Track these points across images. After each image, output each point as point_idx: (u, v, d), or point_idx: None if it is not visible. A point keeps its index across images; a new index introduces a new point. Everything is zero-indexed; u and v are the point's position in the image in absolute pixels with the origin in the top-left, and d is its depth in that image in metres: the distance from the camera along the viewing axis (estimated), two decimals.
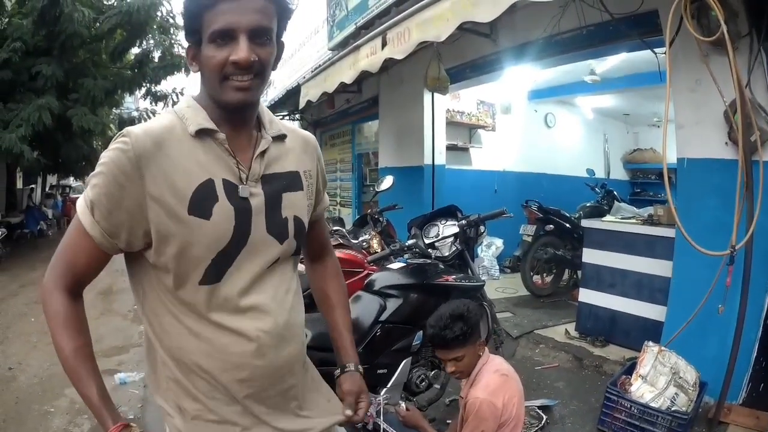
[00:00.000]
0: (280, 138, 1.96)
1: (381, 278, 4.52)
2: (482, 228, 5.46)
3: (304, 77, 10.62)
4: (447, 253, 5.24)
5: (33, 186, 29.32)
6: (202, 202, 1.70)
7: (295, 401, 2.05)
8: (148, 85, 17.31)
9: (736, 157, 4.54)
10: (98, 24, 15.17)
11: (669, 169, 4.69)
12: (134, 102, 24.82)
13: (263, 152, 1.87)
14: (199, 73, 1.79)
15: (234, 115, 1.82)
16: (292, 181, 1.97)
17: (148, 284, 1.81)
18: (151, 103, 18.39)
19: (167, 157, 1.67)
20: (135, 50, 16.92)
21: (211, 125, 1.75)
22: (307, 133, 2.18)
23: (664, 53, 4.69)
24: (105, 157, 1.66)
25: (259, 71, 1.71)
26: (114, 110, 20.26)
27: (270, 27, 1.73)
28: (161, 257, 1.71)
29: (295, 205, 1.96)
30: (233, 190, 1.76)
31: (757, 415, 4.92)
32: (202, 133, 1.74)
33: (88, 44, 15.79)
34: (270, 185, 1.87)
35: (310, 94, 9.22)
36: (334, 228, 7.35)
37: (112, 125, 20.15)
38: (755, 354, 4.99)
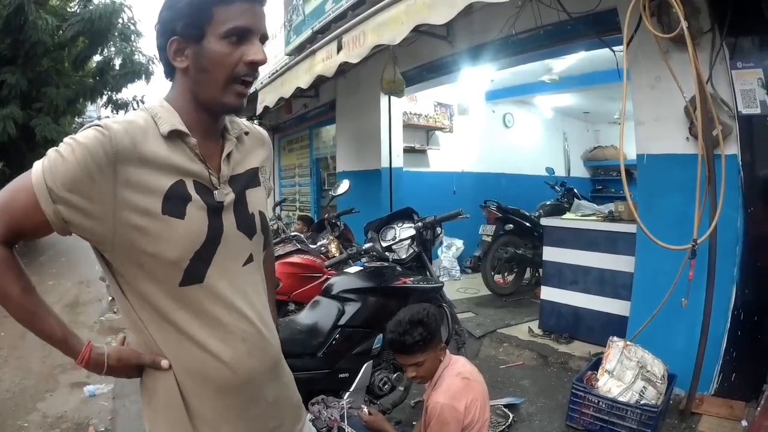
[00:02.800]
0: (240, 138, 1.99)
1: (339, 282, 4.50)
2: (439, 229, 5.46)
3: (261, 83, 10.59)
4: (404, 256, 5.22)
5: None
6: (175, 201, 1.69)
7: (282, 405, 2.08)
8: (109, 93, 17.09)
9: (697, 151, 4.58)
10: (61, 31, 15.00)
11: (629, 165, 4.74)
12: (96, 111, 24.58)
13: (229, 154, 1.88)
14: (186, 72, 1.78)
15: (210, 119, 1.83)
16: (253, 177, 1.99)
17: (132, 290, 1.78)
18: (112, 111, 18.18)
19: (140, 157, 1.64)
20: (96, 58, 16.67)
21: (183, 128, 1.74)
22: (260, 128, 2.22)
23: (623, 51, 4.72)
24: (78, 142, 1.59)
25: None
26: (76, 119, 20.04)
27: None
28: (135, 258, 1.69)
29: (259, 201, 1.99)
30: (205, 192, 1.76)
31: (731, 405, 4.97)
32: (173, 135, 1.72)
33: (52, 52, 15.53)
34: (237, 184, 1.88)
35: (267, 99, 9.18)
36: (292, 234, 7.36)
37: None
38: (725, 345, 5.05)
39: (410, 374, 3.60)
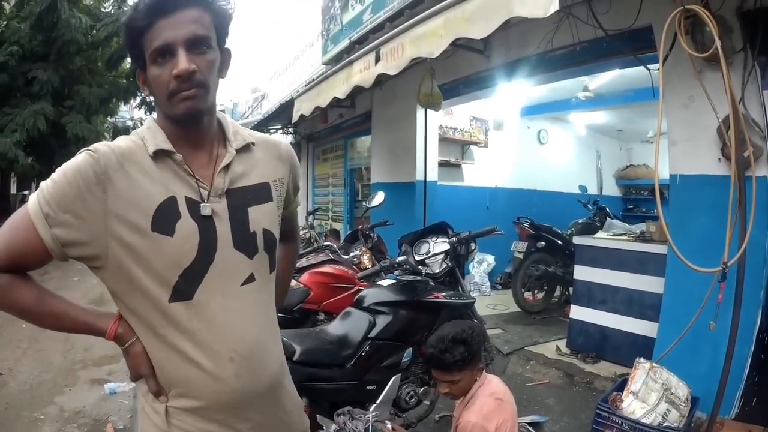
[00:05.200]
0: (246, 149, 1.97)
1: (371, 295, 4.51)
2: (473, 245, 5.45)
3: (298, 91, 10.65)
4: (437, 270, 5.22)
5: (26, 192, 29.36)
6: (164, 219, 1.72)
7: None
8: (142, 94, 17.25)
9: (729, 173, 4.52)
10: (95, 31, 15.16)
11: (661, 185, 4.69)
12: (128, 111, 24.83)
13: (227, 166, 1.88)
14: (153, 97, 1.85)
15: (190, 130, 1.85)
16: (260, 193, 1.97)
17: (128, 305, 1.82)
18: (145, 112, 18.37)
19: (129, 177, 1.71)
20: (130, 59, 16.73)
21: (168, 146, 1.78)
22: (280, 140, 2.23)
23: (658, 69, 4.68)
24: (68, 166, 1.69)
25: (201, 80, 1.74)
26: (108, 119, 20.24)
27: (207, 35, 1.77)
28: (125, 274, 1.73)
29: (264, 218, 1.96)
30: (196, 208, 1.78)
31: (750, 429, 4.90)
32: (161, 154, 1.77)
33: (84, 51, 15.77)
34: (235, 200, 1.88)
35: (303, 108, 9.20)
36: (325, 243, 7.37)
37: (106, 134, 20.12)
38: (748, 369, 5.00)
39: (443, 390, 3.56)
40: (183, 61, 1.68)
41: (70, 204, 1.64)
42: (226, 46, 1.90)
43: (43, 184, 1.69)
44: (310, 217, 11.32)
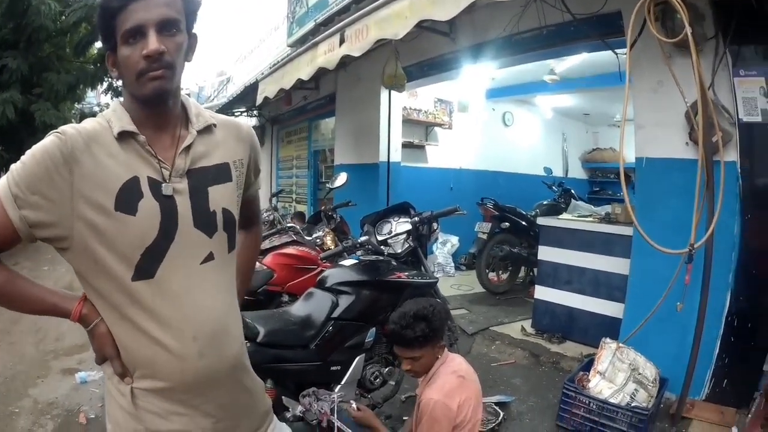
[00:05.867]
0: (208, 130, 2.01)
1: (333, 275, 4.53)
2: (435, 225, 5.45)
3: (263, 73, 10.60)
4: (400, 250, 5.23)
5: None
6: (127, 198, 1.75)
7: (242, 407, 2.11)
8: (109, 80, 17.02)
9: (697, 156, 4.61)
10: (63, 17, 14.93)
11: (628, 168, 4.75)
12: (96, 97, 24.52)
13: (188, 147, 1.91)
14: (120, 78, 1.87)
15: (155, 112, 1.88)
16: (220, 173, 2.01)
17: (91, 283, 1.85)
18: (112, 98, 18.10)
19: (94, 158, 1.74)
20: (98, 44, 16.53)
21: (132, 128, 1.81)
22: (242, 122, 2.25)
23: (626, 54, 4.72)
24: (36, 148, 1.72)
25: (169, 61, 1.78)
26: (76, 105, 19.99)
27: (177, 18, 1.81)
28: (90, 254, 1.76)
29: (224, 198, 1.99)
30: (158, 188, 1.81)
31: (722, 411, 4.99)
32: (125, 135, 1.80)
33: (54, 38, 15.47)
34: (196, 180, 1.92)
35: (267, 90, 9.20)
36: (288, 225, 7.35)
37: (73, 120, 19.84)
38: (717, 351, 5.07)
39: (405, 367, 3.59)
40: (153, 42, 1.71)
41: (39, 185, 1.67)
42: (193, 31, 1.94)
43: (12, 166, 1.72)
44: (274, 199, 11.25)
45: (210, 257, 1.93)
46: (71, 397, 5.48)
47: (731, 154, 4.77)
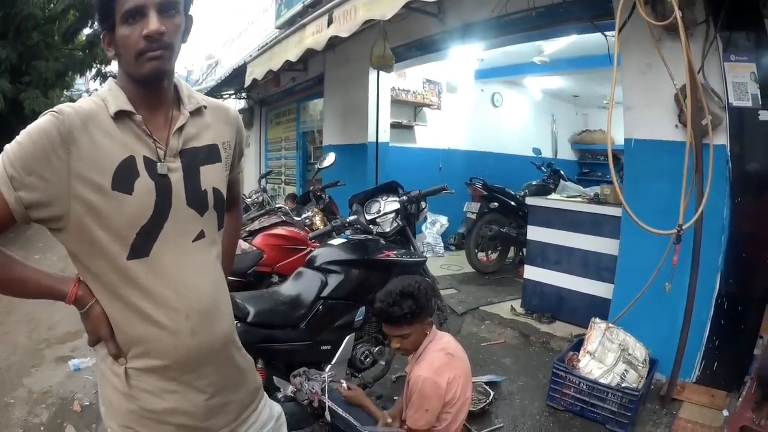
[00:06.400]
0: (199, 112, 2.03)
1: (322, 254, 4.54)
2: (423, 204, 5.48)
3: (251, 56, 10.57)
4: (388, 229, 5.27)
5: None
6: (124, 177, 1.77)
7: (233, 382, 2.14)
8: (98, 66, 16.94)
9: (685, 139, 4.60)
10: (52, 5, 14.85)
11: (616, 151, 4.76)
12: (84, 83, 24.36)
13: (181, 128, 1.94)
14: (116, 58, 1.87)
15: (150, 92, 1.89)
16: (210, 153, 2.04)
17: (86, 264, 1.86)
18: (101, 84, 18.02)
19: (91, 137, 1.74)
20: (86, 31, 16.49)
21: (129, 107, 1.82)
22: (228, 105, 2.29)
23: (615, 37, 4.74)
24: (33, 127, 1.71)
25: (168, 42, 1.79)
26: (65, 92, 19.86)
27: (177, 0, 1.83)
28: (86, 234, 1.77)
29: (214, 177, 2.03)
30: (153, 167, 1.83)
31: (712, 393, 5.01)
32: (121, 115, 1.81)
33: (42, 26, 15.32)
34: (188, 159, 1.94)
35: (255, 72, 9.20)
36: (277, 206, 7.36)
37: None
38: (708, 333, 5.10)
39: (395, 345, 3.60)
40: (154, 22, 1.72)
41: (35, 165, 1.66)
42: (190, 12, 1.96)
43: (7, 146, 1.72)
44: (263, 181, 11.26)
45: (201, 235, 1.97)
46: (65, 385, 5.48)
47: (721, 138, 4.78)
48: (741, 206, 4.89)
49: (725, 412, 4.79)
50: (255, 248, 5.87)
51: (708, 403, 4.95)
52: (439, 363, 3.44)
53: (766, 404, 4.36)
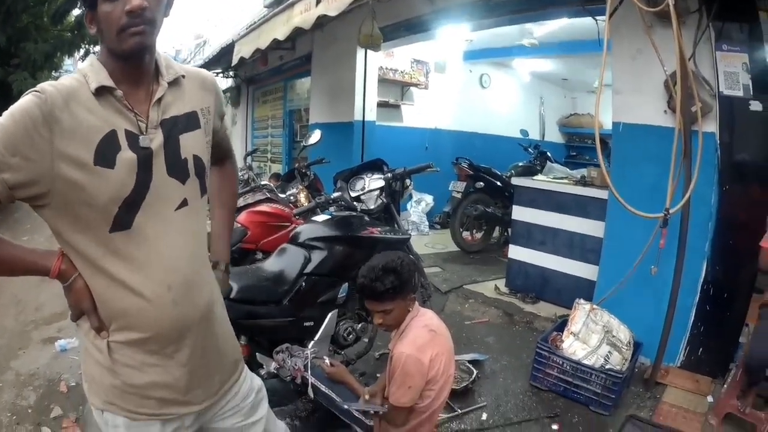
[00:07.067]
0: (177, 82, 2.05)
1: (306, 230, 4.57)
2: (408, 181, 5.54)
3: (239, 35, 10.57)
4: (373, 206, 5.29)
5: None
6: (106, 152, 1.78)
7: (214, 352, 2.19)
8: (87, 46, 16.81)
9: (674, 125, 4.61)
10: None
11: (604, 135, 4.79)
12: (73, 64, 24.19)
13: (159, 99, 1.95)
14: (99, 35, 1.87)
15: (132, 67, 1.90)
16: (189, 121, 2.06)
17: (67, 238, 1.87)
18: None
19: (73, 115, 1.74)
20: (75, 12, 16.34)
21: (110, 83, 1.83)
22: (205, 71, 2.30)
23: (605, 21, 4.76)
24: (15, 108, 1.71)
25: (150, 17, 1.80)
26: (53, 73, 19.74)
27: None
28: (69, 210, 1.79)
29: (194, 145, 2.05)
30: (134, 140, 1.85)
31: (697, 379, 5.07)
32: (102, 91, 1.82)
33: (32, 8, 15.19)
34: (168, 129, 1.96)
35: (243, 50, 9.23)
36: (262, 183, 7.35)
37: None
38: (693, 319, 5.16)
39: (377, 321, 3.57)
40: None
41: (19, 146, 1.67)
42: None
43: None
44: (249, 158, 11.26)
45: (184, 203, 1.99)
46: (52, 366, 5.48)
47: (710, 126, 4.80)
48: (729, 194, 4.92)
49: (710, 398, 4.84)
50: (239, 225, 5.85)
51: (693, 389, 5.00)
52: (423, 340, 3.44)
53: (751, 392, 4.41)
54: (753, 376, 4.31)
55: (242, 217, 6.00)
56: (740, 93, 4.72)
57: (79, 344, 5.50)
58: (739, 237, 4.94)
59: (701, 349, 5.21)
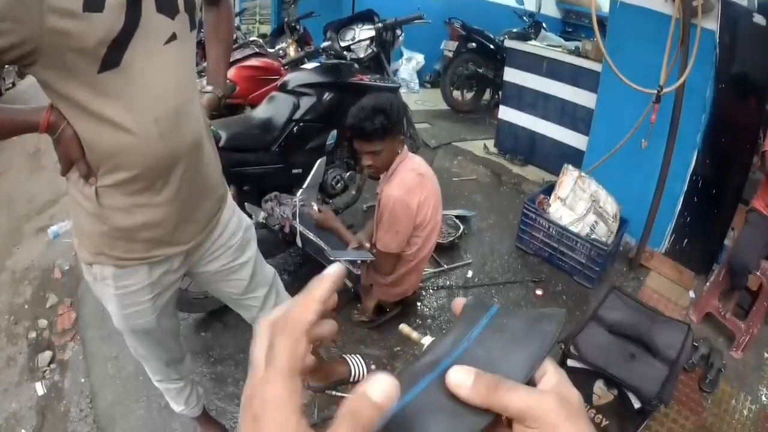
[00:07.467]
0: None
1: (295, 77, 4.55)
2: (399, 32, 5.57)
3: None
4: (363, 55, 5.31)
5: None
6: None
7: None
8: None
9: (672, 13, 4.57)
10: None
11: (601, 17, 4.80)
12: None
13: None
14: None
15: None
16: None
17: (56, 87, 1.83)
18: None
19: None
20: None
21: None
22: None
23: None
24: None
25: None
26: None
27: None
28: (58, 61, 1.73)
29: None
30: None
31: (680, 270, 5.30)
32: None
33: None
34: None
35: None
36: (251, 39, 7.36)
37: None
38: (680, 207, 5.33)
39: (366, 162, 3.73)
40: None
41: (7, 9, 1.57)
42: None
43: None
44: (237, 19, 11.12)
45: (173, 38, 1.95)
46: (45, 255, 5.48)
47: (711, 24, 4.68)
48: (724, 94, 4.91)
49: (692, 294, 5.08)
50: (228, 80, 5.87)
51: (675, 279, 5.23)
52: (411, 183, 3.61)
53: (733, 295, 4.66)
54: (735, 280, 4.51)
55: (231, 72, 5.94)
56: (744, 2, 4.65)
57: (71, 227, 5.62)
58: (730, 137, 4.99)
59: (686, 240, 5.39)
